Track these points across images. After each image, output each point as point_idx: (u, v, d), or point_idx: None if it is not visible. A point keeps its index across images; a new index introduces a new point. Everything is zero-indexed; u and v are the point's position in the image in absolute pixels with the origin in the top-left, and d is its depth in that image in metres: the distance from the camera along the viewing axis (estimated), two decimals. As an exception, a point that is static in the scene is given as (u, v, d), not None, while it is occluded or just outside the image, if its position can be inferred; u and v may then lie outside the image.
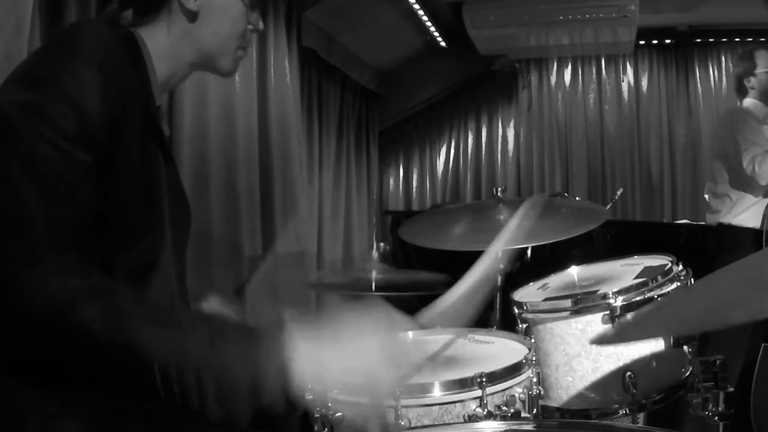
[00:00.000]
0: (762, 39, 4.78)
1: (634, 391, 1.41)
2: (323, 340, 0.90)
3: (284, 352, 0.87)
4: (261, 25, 1.24)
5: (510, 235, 1.40)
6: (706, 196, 3.72)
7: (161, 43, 1.14)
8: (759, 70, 3.04)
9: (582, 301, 1.48)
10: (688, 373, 1.48)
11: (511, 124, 5.79)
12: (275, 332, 0.89)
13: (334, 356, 0.89)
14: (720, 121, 3.27)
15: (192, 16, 1.14)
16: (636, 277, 1.57)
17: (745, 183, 2.94)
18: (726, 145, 3.04)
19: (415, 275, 2.39)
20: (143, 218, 1.05)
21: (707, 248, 3.15)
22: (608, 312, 1.44)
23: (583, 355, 1.47)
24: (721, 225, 3.04)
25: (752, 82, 3.04)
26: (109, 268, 1.00)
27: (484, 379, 1.15)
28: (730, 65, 5.23)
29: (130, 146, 1.01)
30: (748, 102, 3.06)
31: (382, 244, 2.17)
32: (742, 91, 3.13)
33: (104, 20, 1.16)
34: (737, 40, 5.10)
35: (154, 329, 0.87)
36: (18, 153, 0.91)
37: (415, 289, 2.15)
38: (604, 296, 1.45)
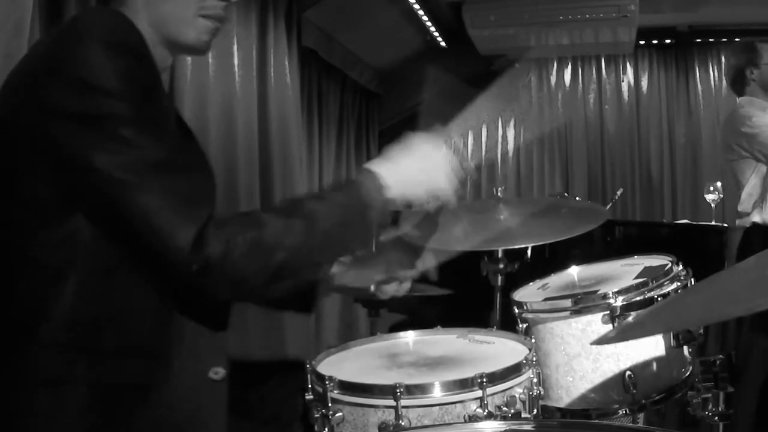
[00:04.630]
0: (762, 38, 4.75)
1: (634, 391, 1.41)
2: (398, 162, 1.17)
3: (380, 183, 1.12)
4: None
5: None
6: (707, 197, 3.71)
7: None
8: (764, 62, 2.91)
9: (582, 301, 1.48)
10: (688, 373, 1.48)
11: (511, 124, 5.79)
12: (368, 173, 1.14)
13: (409, 170, 1.16)
14: (724, 126, 3.12)
15: None
16: (636, 277, 1.57)
17: None
18: (741, 140, 2.86)
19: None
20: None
21: (722, 251, 3.05)
22: (608, 312, 1.44)
23: (583, 355, 1.47)
24: (755, 225, 2.84)
25: (755, 73, 2.91)
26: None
27: (484, 380, 1.15)
28: (730, 65, 5.23)
29: (167, 122, 1.04)
30: (745, 100, 2.94)
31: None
32: (741, 83, 2.99)
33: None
34: (737, 40, 5.09)
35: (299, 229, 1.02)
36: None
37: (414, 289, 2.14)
38: (604, 296, 1.46)
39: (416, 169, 1.15)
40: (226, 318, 1.13)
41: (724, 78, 5.12)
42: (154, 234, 0.93)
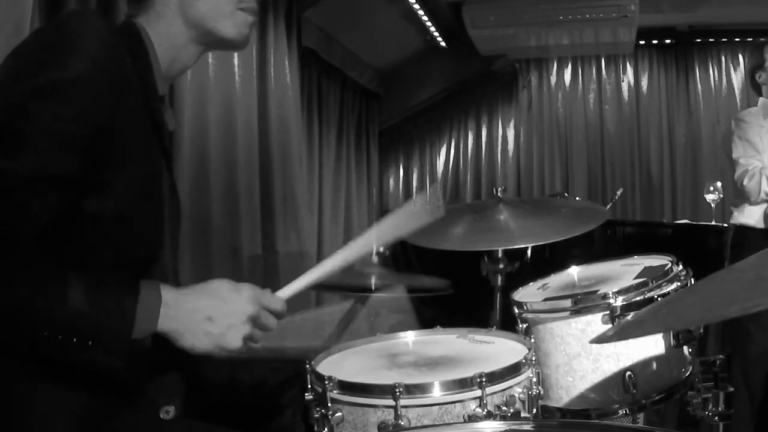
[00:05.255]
0: (762, 39, 4.76)
1: (634, 391, 1.41)
2: (195, 293, 1.02)
3: (155, 299, 0.97)
4: None
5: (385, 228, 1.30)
6: (707, 197, 3.72)
7: (158, 27, 1.12)
8: None
9: (582, 301, 1.48)
10: (688, 373, 1.48)
11: (511, 124, 5.79)
12: (148, 283, 0.99)
13: (203, 306, 1.01)
14: (724, 130, 3.16)
15: None
16: (636, 277, 1.57)
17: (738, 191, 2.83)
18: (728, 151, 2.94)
19: (416, 280, 2.38)
20: (143, 215, 1.05)
21: (722, 251, 3.07)
22: (608, 312, 1.44)
23: (583, 355, 1.47)
24: (735, 227, 2.89)
25: (762, 77, 2.92)
26: (109, 263, 1.01)
27: (484, 379, 1.15)
28: (730, 65, 5.24)
29: (127, 141, 1.01)
30: (762, 102, 2.93)
31: (381, 249, 2.15)
32: (756, 87, 3.01)
33: (101, 11, 1.15)
34: (737, 40, 5.10)
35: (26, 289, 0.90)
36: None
37: (415, 292, 2.14)
38: (604, 296, 1.45)
39: (205, 313, 1.00)
40: (180, 358, 1.07)
41: (725, 80, 5.16)
42: None
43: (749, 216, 2.80)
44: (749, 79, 3.08)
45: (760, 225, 2.79)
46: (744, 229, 2.80)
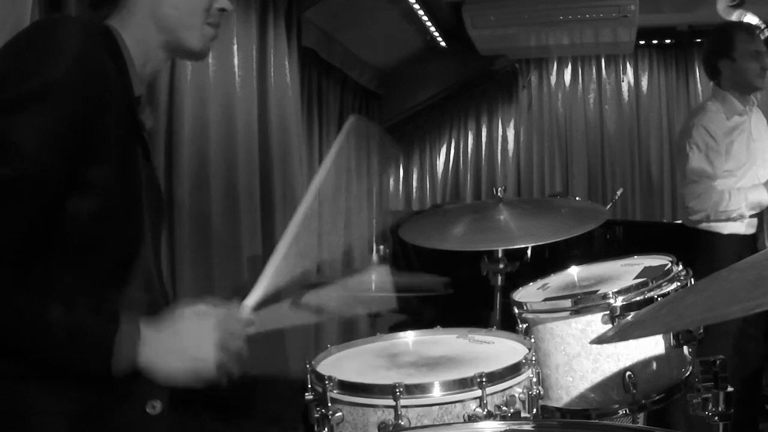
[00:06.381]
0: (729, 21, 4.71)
1: (634, 391, 1.41)
2: (164, 331, 1.04)
3: (135, 338, 1.00)
4: (229, 5, 1.21)
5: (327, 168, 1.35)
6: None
7: (129, 29, 1.13)
8: (738, 54, 2.61)
9: (582, 301, 1.48)
10: (688, 373, 1.48)
11: (511, 124, 5.79)
12: (130, 321, 1.01)
13: (172, 343, 1.03)
14: (682, 126, 2.91)
15: None
16: (636, 277, 1.57)
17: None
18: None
19: (415, 279, 2.38)
20: (124, 212, 1.06)
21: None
22: (608, 312, 1.44)
23: (583, 355, 1.47)
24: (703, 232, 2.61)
25: (728, 65, 2.66)
26: (90, 264, 1.01)
27: (484, 379, 1.15)
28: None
29: (109, 141, 1.02)
30: (720, 96, 2.71)
31: (381, 247, 2.14)
32: (715, 75, 2.74)
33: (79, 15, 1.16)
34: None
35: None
36: None
37: (414, 291, 2.14)
38: (604, 296, 1.45)
39: (177, 346, 1.03)
40: None
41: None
42: None
43: (716, 224, 2.56)
44: (709, 66, 2.80)
45: (726, 231, 2.55)
46: (712, 235, 2.56)
